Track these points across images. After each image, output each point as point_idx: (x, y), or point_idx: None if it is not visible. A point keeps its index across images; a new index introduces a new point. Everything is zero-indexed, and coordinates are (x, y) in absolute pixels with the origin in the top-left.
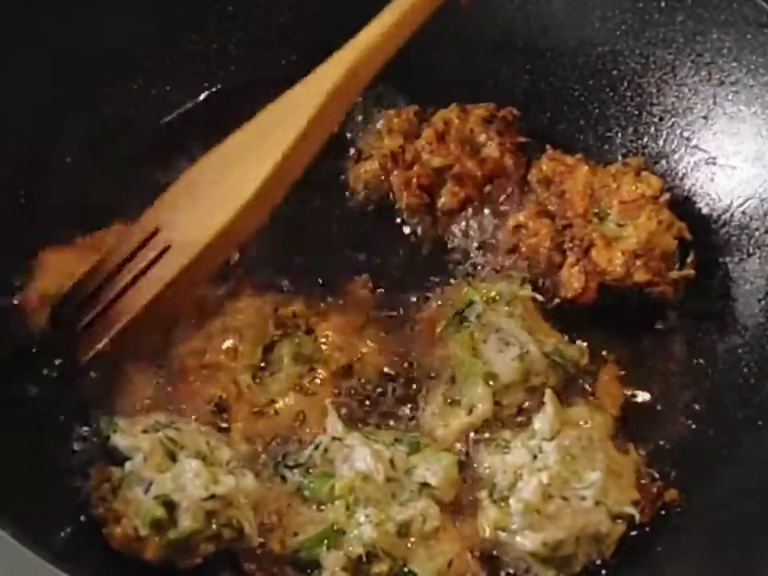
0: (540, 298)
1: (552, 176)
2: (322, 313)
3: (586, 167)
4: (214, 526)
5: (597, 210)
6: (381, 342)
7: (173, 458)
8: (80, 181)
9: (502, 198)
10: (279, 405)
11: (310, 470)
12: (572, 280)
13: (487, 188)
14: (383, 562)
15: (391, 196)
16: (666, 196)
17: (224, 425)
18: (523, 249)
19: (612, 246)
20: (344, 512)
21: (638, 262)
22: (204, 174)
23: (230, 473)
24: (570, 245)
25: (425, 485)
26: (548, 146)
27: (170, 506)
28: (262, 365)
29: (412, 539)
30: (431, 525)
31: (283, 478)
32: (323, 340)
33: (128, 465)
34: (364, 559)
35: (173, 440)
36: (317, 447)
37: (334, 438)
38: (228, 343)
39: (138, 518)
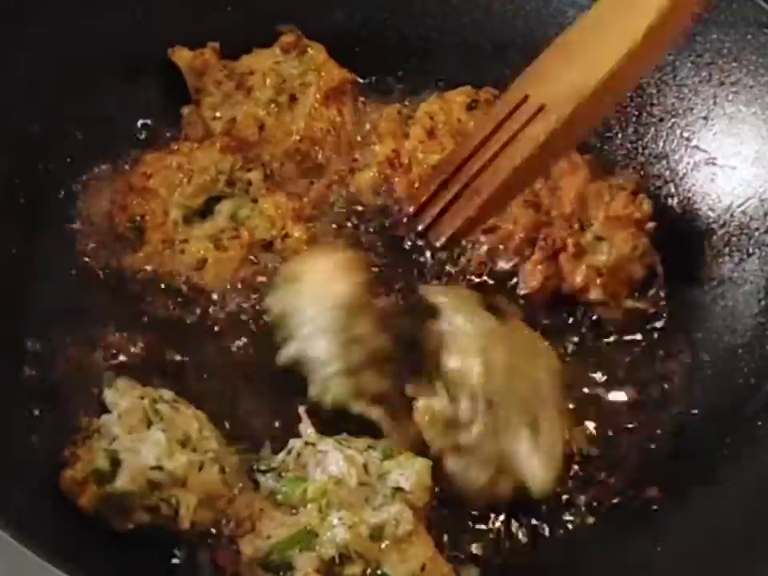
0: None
1: (552, 169)
2: (272, 188)
3: (586, 171)
4: (154, 498)
5: (581, 217)
6: None
7: (149, 426)
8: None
9: None
10: (190, 246)
11: (283, 474)
12: (530, 277)
13: None
14: (356, 564)
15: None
16: (651, 225)
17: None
18: (499, 232)
19: (580, 257)
20: (317, 515)
21: (598, 281)
22: (574, 40)
23: (200, 461)
24: (543, 243)
25: (398, 489)
26: None
27: (115, 462)
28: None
29: (385, 542)
30: (404, 528)
31: (255, 483)
32: (262, 208)
33: (104, 417)
34: (337, 561)
35: (158, 412)
36: (289, 452)
37: (306, 443)
38: (175, 178)
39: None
